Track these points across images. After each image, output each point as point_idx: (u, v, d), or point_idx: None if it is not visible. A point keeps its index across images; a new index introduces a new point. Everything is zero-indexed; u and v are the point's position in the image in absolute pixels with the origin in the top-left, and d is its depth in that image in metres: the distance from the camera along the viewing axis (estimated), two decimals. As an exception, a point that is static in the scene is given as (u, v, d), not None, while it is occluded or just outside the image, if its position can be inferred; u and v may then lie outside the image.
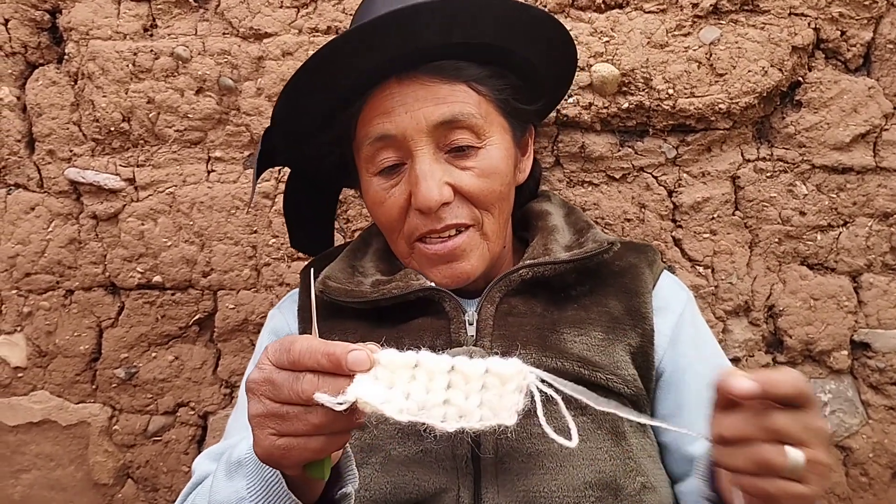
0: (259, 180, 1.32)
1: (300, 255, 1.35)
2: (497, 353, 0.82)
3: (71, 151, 1.34)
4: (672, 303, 0.95)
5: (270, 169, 1.32)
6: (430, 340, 0.85)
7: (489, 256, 0.90)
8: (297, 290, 1.03)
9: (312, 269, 0.76)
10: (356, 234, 1.33)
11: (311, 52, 1.27)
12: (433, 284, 0.88)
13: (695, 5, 1.22)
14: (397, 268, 0.95)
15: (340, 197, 1.33)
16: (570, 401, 0.80)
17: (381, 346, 0.60)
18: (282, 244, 1.34)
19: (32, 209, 1.35)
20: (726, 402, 0.58)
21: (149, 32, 1.31)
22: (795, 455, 0.56)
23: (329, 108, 0.87)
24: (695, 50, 1.23)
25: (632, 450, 0.82)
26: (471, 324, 0.85)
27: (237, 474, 0.72)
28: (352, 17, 0.95)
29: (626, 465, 0.80)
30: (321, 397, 0.56)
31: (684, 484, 0.88)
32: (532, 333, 0.85)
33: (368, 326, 0.89)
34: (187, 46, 1.29)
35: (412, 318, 0.88)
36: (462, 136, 0.85)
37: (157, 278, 1.36)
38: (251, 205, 1.01)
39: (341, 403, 0.56)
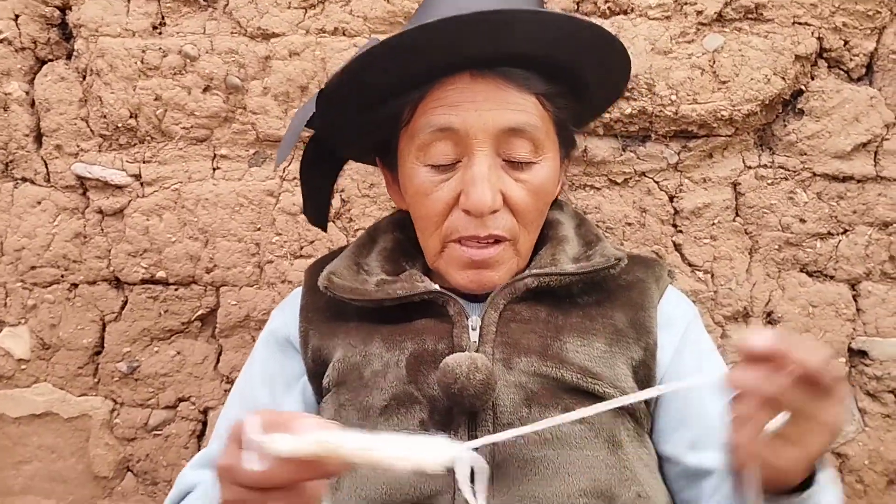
0: (265, 178, 1.34)
1: (303, 252, 1.36)
2: (499, 360, 0.83)
3: (78, 147, 1.35)
4: (676, 318, 0.95)
5: (282, 162, 1.34)
6: (432, 343, 0.85)
7: (515, 271, 0.90)
8: (299, 288, 1.02)
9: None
10: (358, 234, 1.35)
11: (317, 53, 1.29)
12: (437, 287, 0.88)
13: (699, 13, 1.23)
14: (401, 269, 0.95)
15: (344, 197, 1.35)
16: (568, 407, 0.81)
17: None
18: (284, 242, 1.35)
19: (39, 203, 1.37)
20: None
21: (157, 30, 1.32)
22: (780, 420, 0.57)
23: (391, 87, 0.85)
24: (698, 57, 1.24)
25: (628, 459, 0.82)
26: (474, 329, 0.85)
27: None
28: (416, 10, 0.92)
29: (621, 474, 0.80)
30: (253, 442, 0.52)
31: (685, 493, 0.88)
32: (535, 341, 0.85)
33: (371, 325, 0.89)
34: (195, 45, 1.30)
35: (415, 319, 0.88)
36: (523, 147, 0.85)
37: (161, 273, 1.37)
38: (279, 164, 0.99)
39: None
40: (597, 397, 0.82)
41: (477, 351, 0.83)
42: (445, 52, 0.80)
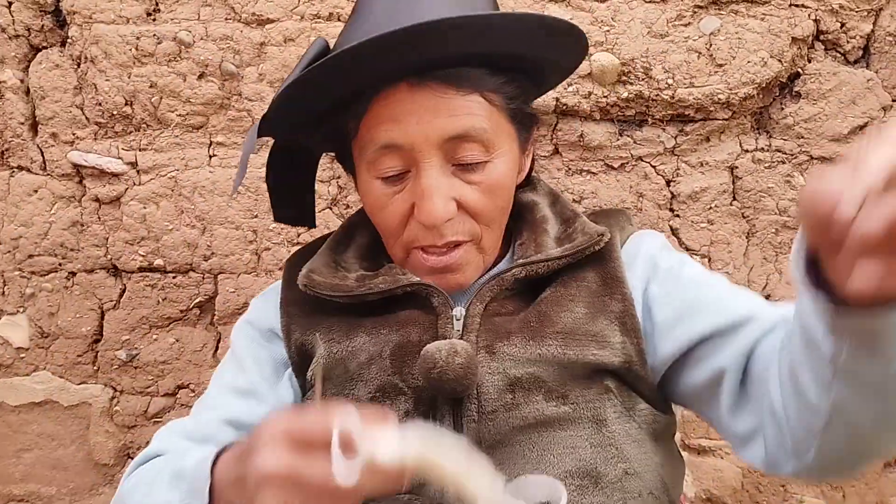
0: (261, 165, 1.33)
1: (300, 240, 1.36)
2: (482, 348, 0.82)
3: (74, 135, 1.35)
4: (640, 254, 0.92)
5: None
6: (417, 335, 0.84)
7: (483, 267, 0.90)
8: (279, 282, 1.00)
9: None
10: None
11: (312, 39, 1.28)
12: (419, 279, 0.87)
13: (695, -5, 1.22)
14: (380, 264, 0.94)
15: (340, 183, 1.35)
16: (550, 389, 0.81)
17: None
18: (282, 229, 1.35)
19: (35, 191, 1.37)
20: None
21: (152, 17, 1.32)
22: None
23: (331, 106, 0.85)
24: (695, 40, 1.23)
25: (614, 436, 0.81)
26: (458, 319, 0.85)
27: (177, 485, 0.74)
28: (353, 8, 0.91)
29: (606, 452, 0.79)
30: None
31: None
32: (517, 325, 0.84)
33: (354, 317, 0.88)
34: (190, 31, 1.29)
35: (398, 311, 0.87)
36: (472, 151, 0.82)
37: (159, 261, 1.37)
38: (236, 190, 0.97)
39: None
40: (583, 365, 0.81)
41: (461, 338, 0.82)
42: (376, 67, 0.78)
